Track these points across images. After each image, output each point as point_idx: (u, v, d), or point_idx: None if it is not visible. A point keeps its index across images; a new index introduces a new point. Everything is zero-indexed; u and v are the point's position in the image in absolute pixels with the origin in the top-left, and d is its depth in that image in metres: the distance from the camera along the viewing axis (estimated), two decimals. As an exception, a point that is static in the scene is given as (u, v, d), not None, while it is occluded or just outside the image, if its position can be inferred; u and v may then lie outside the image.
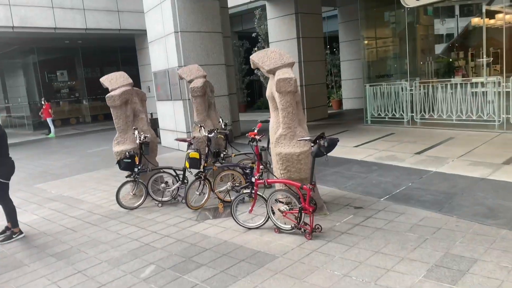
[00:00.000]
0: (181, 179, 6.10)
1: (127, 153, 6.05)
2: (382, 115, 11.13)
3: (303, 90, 13.69)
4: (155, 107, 12.69)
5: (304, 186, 4.43)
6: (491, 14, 11.87)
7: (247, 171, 5.82)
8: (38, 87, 21.54)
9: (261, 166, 6.14)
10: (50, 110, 17.32)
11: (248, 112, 20.52)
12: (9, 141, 5.40)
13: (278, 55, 5.15)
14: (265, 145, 6.17)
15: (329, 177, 6.74)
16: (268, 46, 15.59)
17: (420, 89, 10.27)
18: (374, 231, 4.43)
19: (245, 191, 4.90)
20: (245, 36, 21.34)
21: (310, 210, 4.39)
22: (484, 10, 11.21)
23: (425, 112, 10.20)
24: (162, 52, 11.06)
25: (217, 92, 10.60)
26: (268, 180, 4.83)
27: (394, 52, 13.46)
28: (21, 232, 5.42)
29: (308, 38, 13.71)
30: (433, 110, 10.02)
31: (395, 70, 13.15)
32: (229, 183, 5.85)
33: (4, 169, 5.16)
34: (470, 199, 5.04)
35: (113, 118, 6.36)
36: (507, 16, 11.77)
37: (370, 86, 11.52)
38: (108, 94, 6.28)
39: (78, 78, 23.28)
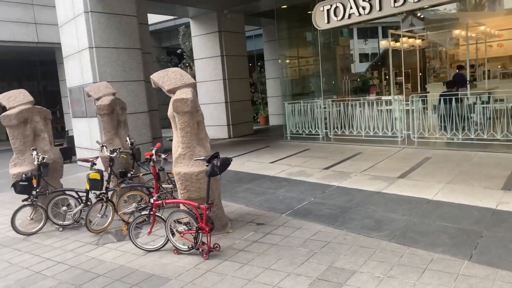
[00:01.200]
0: (84, 201, 5.86)
1: (23, 176, 5.74)
2: (300, 132, 11.57)
3: (227, 107, 13.86)
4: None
5: (201, 205, 4.47)
6: (397, 38, 12.91)
7: (155, 191, 5.74)
8: None
9: (168, 185, 6.12)
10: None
11: (176, 128, 20.27)
12: None
13: (179, 75, 5.19)
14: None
15: (240, 194, 6.84)
16: (193, 63, 15.63)
17: (332, 107, 10.83)
18: (269, 247, 4.56)
19: (143, 212, 4.84)
20: (173, 51, 21.23)
21: (207, 229, 4.43)
22: (389, 34, 12.19)
23: (337, 128, 10.76)
24: (77, 68, 10.67)
25: (136, 108, 10.43)
26: (166, 201, 4.80)
27: (311, 71, 14.10)
28: None
29: (232, 56, 13.96)
30: (345, 127, 10.59)
31: (311, 89, 13.76)
32: (134, 204, 5.73)
33: None
34: (362, 213, 5.37)
35: (10, 138, 6.04)
36: (410, 40, 12.89)
37: (289, 104, 11.95)
38: (3, 113, 5.96)
39: (-9, 93, 21.61)
